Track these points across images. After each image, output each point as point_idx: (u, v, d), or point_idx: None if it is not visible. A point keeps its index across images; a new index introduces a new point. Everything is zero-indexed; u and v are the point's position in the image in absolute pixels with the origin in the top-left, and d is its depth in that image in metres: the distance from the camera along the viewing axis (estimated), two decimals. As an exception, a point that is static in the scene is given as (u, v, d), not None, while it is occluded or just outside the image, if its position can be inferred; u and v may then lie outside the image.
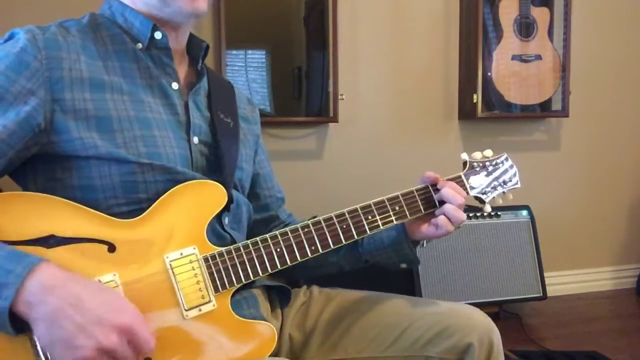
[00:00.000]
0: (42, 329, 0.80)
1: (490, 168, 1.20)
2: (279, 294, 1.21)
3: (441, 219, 1.10)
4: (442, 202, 1.12)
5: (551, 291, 2.56)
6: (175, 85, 1.07)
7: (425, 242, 1.20)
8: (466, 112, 2.59)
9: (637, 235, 2.96)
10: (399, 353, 1.12)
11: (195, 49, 1.15)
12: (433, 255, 2.33)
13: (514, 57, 2.54)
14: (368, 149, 2.51)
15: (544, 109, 2.66)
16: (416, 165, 2.50)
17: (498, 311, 2.43)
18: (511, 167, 1.23)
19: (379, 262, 1.21)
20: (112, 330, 0.80)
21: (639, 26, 2.85)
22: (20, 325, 0.81)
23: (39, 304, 0.79)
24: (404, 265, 1.21)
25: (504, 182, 1.21)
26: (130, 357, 0.83)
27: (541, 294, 2.43)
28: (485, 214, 2.37)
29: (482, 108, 2.53)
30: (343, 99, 2.34)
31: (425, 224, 1.14)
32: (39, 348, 0.84)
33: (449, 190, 1.11)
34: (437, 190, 1.13)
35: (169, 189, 0.98)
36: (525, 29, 2.54)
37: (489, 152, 1.23)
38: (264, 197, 1.27)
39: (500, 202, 1.22)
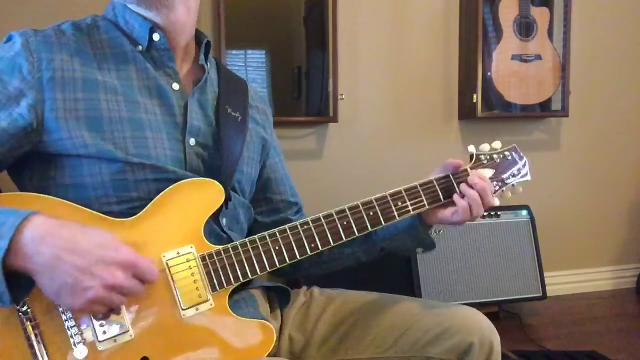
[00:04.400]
0: (44, 279, 0.81)
1: (499, 161, 1.18)
2: (279, 294, 1.20)
3: (463, 206, 1.08)
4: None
5: (551, 291, 2.56)
6: (176, 86, 1.06)
7: (437, 230, 1.19)
8: (466, 112, 2.59)
9: (637, 235, 2.95)
10: (400, 354, 1.12)
11: (199, 44, 1.15)
12: (433, 255, 2.32)
13: (514, 57, 2.54)
14: (368, 149, 2.51)
15: (544, 109, 2.66)
16: (416, 165, 2.50)
17: (498, 311, 2.43)
18: (521, 159, 1.20)
19: (395, 249, 1.20)
20: (115, 266, 0.82)
21: (638, 26, 2.85)
22: (17, 287, 0.82)
23: (35, 255, 0.80)
24: (420, 250, 1.19)
25: (514, 175, 1.17)
26: (137, 288, 0.86)
27: (541, 294, 2.42)
28: (485, 214, 2.38)
29: (482, 108, 2.53)
30: (343, 99, 2.34)
31: (441, 209, 1.12)
32: (34, 341, 0.84)
33: (478, 180, 1.09)
34: (457, 179, 1.11)
35: (161, 188, 0.97)
36: (525, 29, 2.54)
37: (497, 144, 1.19)
38: (276, 202, 1.26)
39: (509, 196, 1.18)
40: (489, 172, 1.15)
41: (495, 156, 1.18)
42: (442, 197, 1.10)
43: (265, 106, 1.29)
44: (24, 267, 0.81)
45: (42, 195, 0.93)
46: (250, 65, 2.35)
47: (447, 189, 1.11)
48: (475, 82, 2.51)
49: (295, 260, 1.02)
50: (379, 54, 2.50)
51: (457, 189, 1.11)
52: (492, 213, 2.42)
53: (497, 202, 1.14)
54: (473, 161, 1.17)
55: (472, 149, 1.18)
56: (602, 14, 2.78)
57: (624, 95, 2.86)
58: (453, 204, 1.10)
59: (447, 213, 1.11)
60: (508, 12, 2.52)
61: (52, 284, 0.81)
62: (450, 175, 1.12)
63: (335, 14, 2.32)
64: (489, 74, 2.52)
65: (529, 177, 1.19)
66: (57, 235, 0.82)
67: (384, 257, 1.23)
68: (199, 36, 1.15)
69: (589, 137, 2.83)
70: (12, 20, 2.03)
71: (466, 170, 1.14)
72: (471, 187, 1.09)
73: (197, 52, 1.15)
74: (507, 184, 1.17)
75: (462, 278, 2.35)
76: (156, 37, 1.05)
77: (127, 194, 0.97)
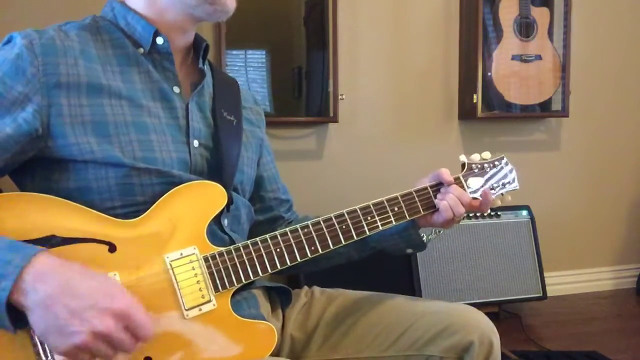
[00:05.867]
0: (35, 316, 0.79)
1: (489, 169, 1.21)
2: (280, 294, 1.21)
3: (443, 204, 1.12)
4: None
5: (551, 291, 2.56)
6: (176, 89, 1.07)
7: (437, 230, 1.21)
8: (466, 112, 2.59)
9: (637, 235, 2.96)
10: (400, 352, 1.12)
11: (198, 47, 1.15)
12: (433, 255, 2.33)
13: (514, 57, 2.54)
14: (368, 149, 2.51)
15: (544, 109, 2.66)
16: (416, 165, 2.51)
17: (498, 311, 2.43)
18: (510, 169, 1.23)
19: (386, 248, 1.22)
20: (107, 314, 0.79)
21: (638, 26, 2.85)
22: (18, 317, 0.81)
23: (31, 291, 0.79)
24: (409, 250, 1.21)
25: (503, 184, 1.21)
26: (127, 342, 0.81)
27: (541, 294, 2.43)
28: (485, 214, 2.39)
29: (482, 108, 2.53)
30: (343, 99, 2.34)
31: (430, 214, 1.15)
32: (38, 344, 0.84)
33: (453, 195, 1.13)
34: (437, 191, 1.15)
35: (166, 192, 0.97)
36: (525, 29, 2.55)
37: (487, 154, 1.23)
38: (268, 199, 1.27)
39: (498, 204, 1.22)
40: (479, 181, 1.18)
41: (485, 165, 1.21)
42: (421, 210, 1.14)
43: (257, 106, 1.31)
44: (19, 302, 0.79)
45: (45, 195, 0.92)
46: (250, 65, 2.35)
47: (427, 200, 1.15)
48: (475, 82, 2.51)
49: (296, 262, 1.03)
50: (379, 54, 2.51)
51: (432, 197, 1.15)
52: (492, 213, 2.42)
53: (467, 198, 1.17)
54: (464, 170, 1.20)
55: (463, 158, 1.21)
56: (602, 14, 2.78)
57: (624, 95, 2.86)
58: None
59: (432, 215, 1.15)
60: (508, 12, 2.53)
61: (42, 322, 0.79)
62: (429, 188, 1.15)
63: (335, 14, 2.32)
64: (489, 74, 2.53)
65: (517, 186, 1.23)
66: (56, 274, 0.80)
67: (383, 258, 1.25)
68: (196, 39, 1.15)
69: (589, 137, 2.83)
70: (9, 21, 2.03)
71: (458, 178, 1.18)
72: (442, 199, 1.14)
73: (193, 55, 1.15)
74: (496, 192, 1.20)
75: (462, 278, 2.35)
76: (159, 40, 1.05)
77: (132, 197, 0.97)
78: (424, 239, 1.20)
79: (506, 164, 1.23)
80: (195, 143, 1.05)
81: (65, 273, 0.81)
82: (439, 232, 1.22)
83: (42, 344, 0.84)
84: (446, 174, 1.14)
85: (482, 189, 1.18)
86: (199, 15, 1.06)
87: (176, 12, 1.06)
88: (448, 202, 1.12)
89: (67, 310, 0.78)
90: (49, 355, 0.85)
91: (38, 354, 0.84)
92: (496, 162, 1.22)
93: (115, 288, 0.84)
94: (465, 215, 1.15)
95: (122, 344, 0.81)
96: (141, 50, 1.05)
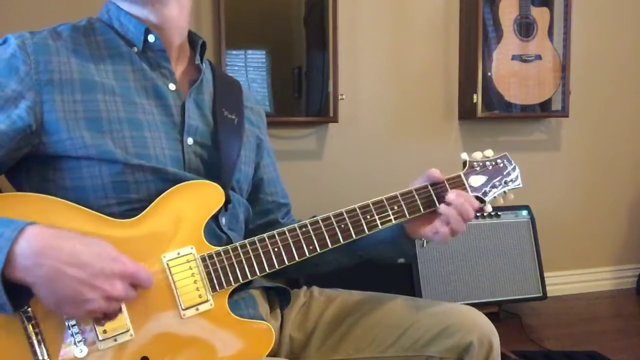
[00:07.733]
0: (44, 291, 0.82)
1: (491, 168, 1.19)
2: (279, 294, 1.21)
3: (442, 228, 1.08)
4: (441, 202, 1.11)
5: (551, 291, 2.56)
6: (172, 86, 1.07)
7: (425, 242, 1.19)
8: (466, 112, 2.59)
9: (637, 235, 2.96)
10: (399, 353, 1.12)
11: (195, 45, 1.15)
12: (433, 255, 2.33)
13: (514, 57, 2.54)
14: (368, 149, 2.51)
15: (544, 109, 2.66)
16: (416, 165, 2.50)
17: (498, 311, 2.43)
18: (513, 167, 1.21)
19: (374, 256, 1.21)
20: (115, 277, 0.84)
21: (639, 26, 2.85)
22: (18, 295, 0.82)
23: (34, 267, 0.81)
24: (401, 260, 1.20)
25: (505, 182, 1.19)
26: (133, 296, 0.88)
27: (541, 294, 2.43)
28: (485, 213, 2.39)
29: (482, 108, 2.53)
30: (343, 99, 2.34)
31: (424, 225, 1.11)
32: (32, 335, 0.85)
33: (457, 198, 1.09)
34: (437, 189, 1.12)
35: (160, 189, 0.98)
36: (525, 29, 2.54)
37: (489, 152, 1.21)
38: (266, 202, 1.26)
39: (501, 202, 1.20)
40: (481, 179, 1.17)
41: (487, 163, 1.19)
42: (421, 208, 1.11)
43: (259, 107, 1.30)
44: (22, 279, 0.81)
45: (42, 195, 0.93)
46: (250, 65, 2.35)
47: (427, 199, 1.12)
48: (475, 82, 2.51)
49: (294, 262, 1.03)
50: (379, 53, 2.51)
51: (436, 201, 1.11)
52: (492, 213, 2.42)
53: (489, 208, 1.17)
54: (466, 168, 1.18)
55: (464, 156, 1.19)
56: (602, 14, 2.78)
57: (623, 95, 2.86)
58: (433, 215, 1.11)
59: (428, 231, 1.11)
60: (508, 12, 2.52)
61: (52, 295, 0.82)
62: (429, 186, 1.12)
63: (335, 14, 2.32)
64: (489, 74, 2.52)
65: (520, 184, 1.21)
66: (57, 247, 0.82)
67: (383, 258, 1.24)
68: (192, 37, 1.16)
69: (589, 137, 2.83)
70: (5, 23, 2.03)
71: (459, 176, 1.15)
72: (449, 204, 1.09)
73: (191, 53, 1.15)
74: (499, 190, 1.18)
75: (462, 278, 2.35)
76: (151, 38, 1.05)
77: (127, 195, 0.97)
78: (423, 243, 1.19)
79: (509, 162, 1.21)
80: (190, 141, 1.05)
81: (64, 244, 0.83)
82: (423, 245, 1.19)
83: (36, 334, 0.85)
84: (437, 172, 1.12)
85: (483, 188, 1.17)
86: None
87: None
88: (448, 218, 1.08)
89: (76, 281, 0.82)
90: (45, 353, 0.85)
91: (32, 344, 0.85)
92: (499, 160, 1.20)
93: (114, 252, 0.87)
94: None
95: (129, 299, 0.88)
96: (135, 49, 1.05)
